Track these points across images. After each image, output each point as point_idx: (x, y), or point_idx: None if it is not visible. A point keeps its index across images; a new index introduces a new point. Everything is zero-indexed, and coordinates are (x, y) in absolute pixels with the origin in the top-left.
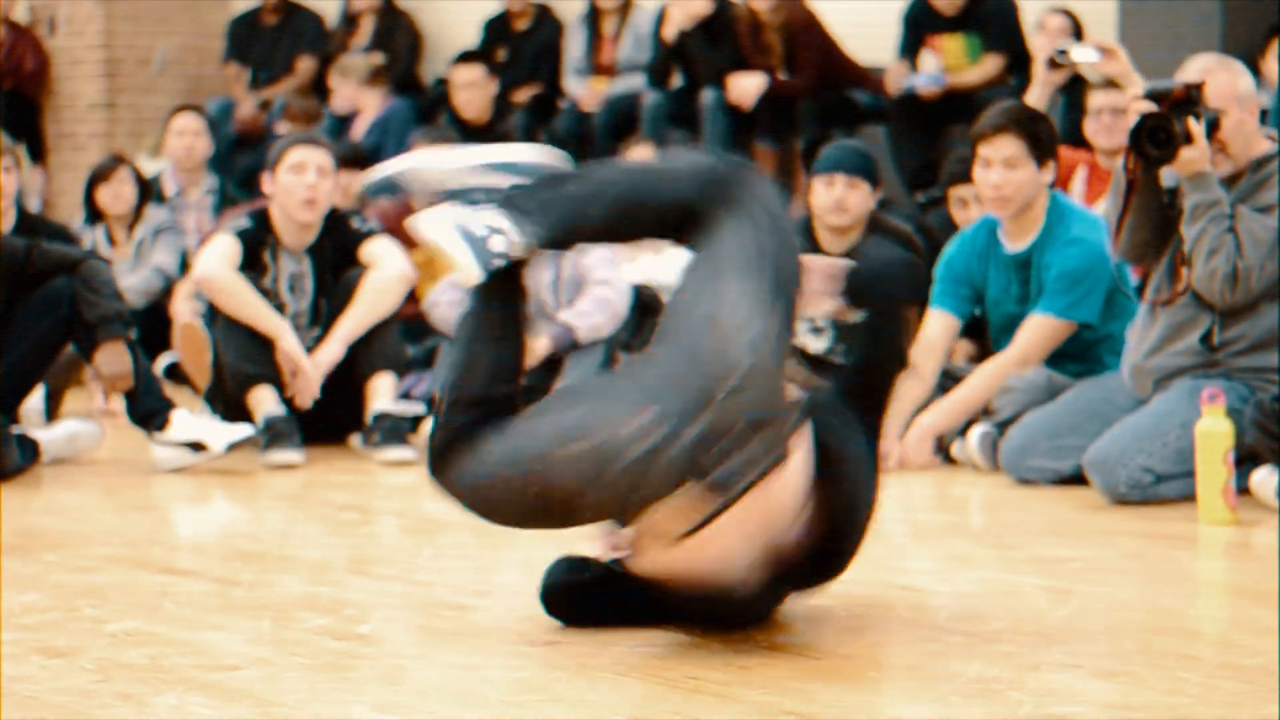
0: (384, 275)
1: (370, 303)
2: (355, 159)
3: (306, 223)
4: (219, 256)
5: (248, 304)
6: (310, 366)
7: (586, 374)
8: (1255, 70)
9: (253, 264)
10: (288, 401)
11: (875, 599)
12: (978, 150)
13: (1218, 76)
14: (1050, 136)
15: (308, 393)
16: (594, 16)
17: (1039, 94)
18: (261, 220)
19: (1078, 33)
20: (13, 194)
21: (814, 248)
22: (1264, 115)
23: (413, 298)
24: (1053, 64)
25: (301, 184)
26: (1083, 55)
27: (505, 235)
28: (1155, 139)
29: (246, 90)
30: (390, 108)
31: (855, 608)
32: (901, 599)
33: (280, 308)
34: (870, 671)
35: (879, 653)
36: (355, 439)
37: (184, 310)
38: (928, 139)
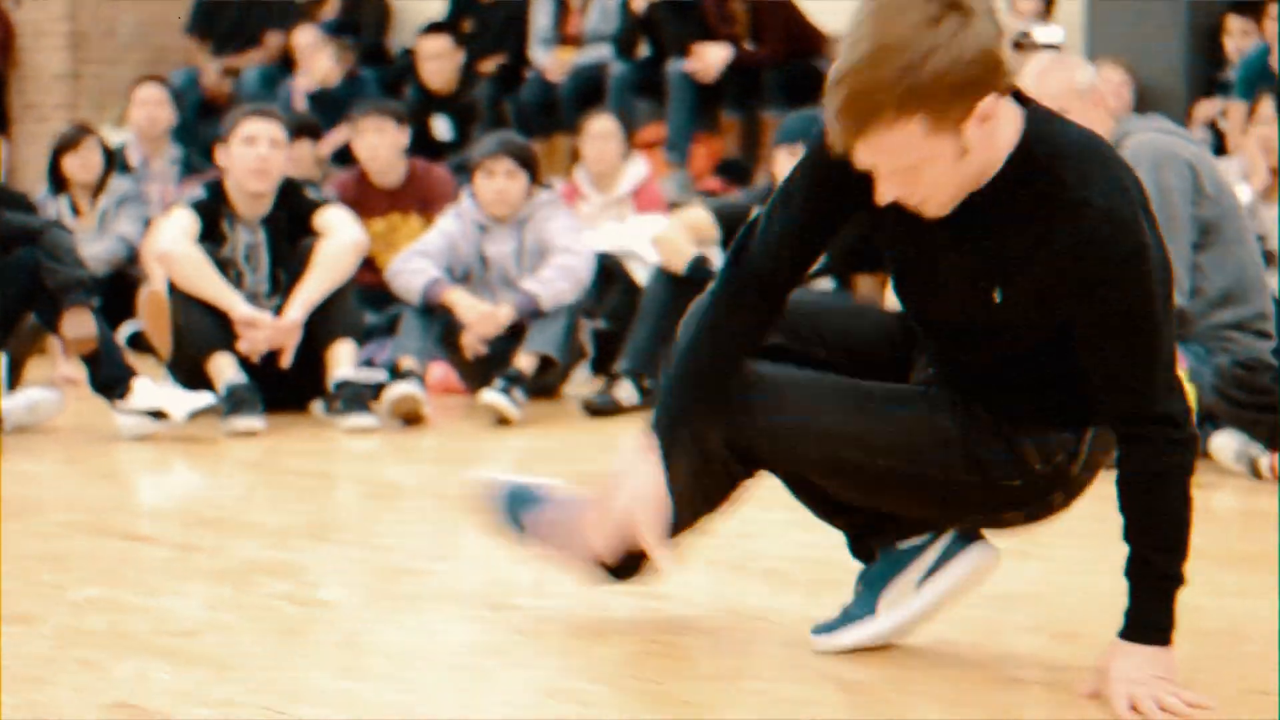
0: (338, 242)
1: (325, 270)
2: (310, 129)
3: (259, 193)
4: (178, 231)
5: (203, 279)
6: (269, 320)
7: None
8: (1220, 47)
9: (212, 235)
10: (249, 369)
11: (834, 561)
12: None
13: (1053, 74)
14: None
15: (261, 343)
16: None
17: None
18: (216, 191)
19: (1048, 10)
20: None
21: None
22: (1225, 87)
23: (374, 267)
24: (1017, 46)
25: (254, 155)
26: (1047, 35)
27: None
28: None
29: (209, 57)
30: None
31: (809, 567)
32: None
33: (238, 278)
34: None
35: (817, 615)
36: (317, 406)
37: (156, 275)
38: None
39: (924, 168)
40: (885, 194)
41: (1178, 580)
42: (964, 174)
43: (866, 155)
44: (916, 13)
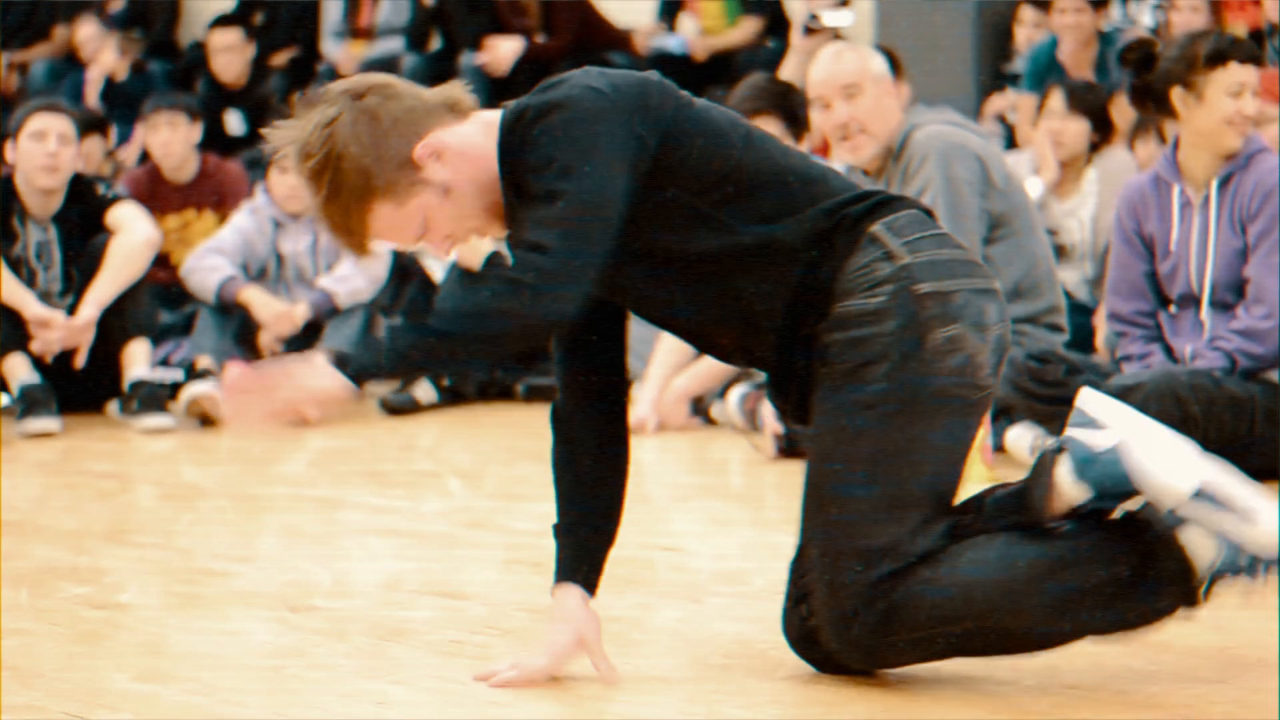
0: (131, 240)
1: (119, 267)
2: (99, 124)
3: (49, 189)
4: None
5: None
6: (62, 320)
7: None
8: (1010, 39)
9: (2, 232)
10: (43, 369)
11: (638, 560)
12: None
13: (849, 54)
14: (803, 107)
15: (55, 343)
16: None
17: (796, 62)
18: (6, 188)
19: None
20: None
21: None
22: (1016, 79)
23: (168, 264)
24: (808, 30)
25: (42, 151)
26: (836, 19)
27: None
28: None
29: None
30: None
31: (617, 569)
32: (663, 560)
33: (30, 277)
34: (634, 634)
35: (642, 614)
36: (113, 407)
37: None
38: None
39: (430, 222)
40: (440, 250)
41: (405, 348)
42: (475, 197)
43: (382, 240)
44: (315, 120)
